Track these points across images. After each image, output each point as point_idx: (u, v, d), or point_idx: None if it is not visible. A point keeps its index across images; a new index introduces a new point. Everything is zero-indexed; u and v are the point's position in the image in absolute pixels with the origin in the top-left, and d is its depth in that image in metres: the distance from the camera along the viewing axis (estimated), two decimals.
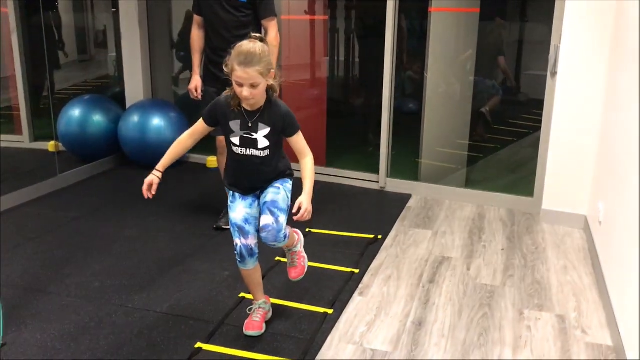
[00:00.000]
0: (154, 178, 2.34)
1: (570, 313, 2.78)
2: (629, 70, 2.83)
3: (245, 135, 2.34)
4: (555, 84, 3.75)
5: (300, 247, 2.67)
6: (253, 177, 2.43)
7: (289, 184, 2.49)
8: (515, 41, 6.06)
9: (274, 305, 2.71)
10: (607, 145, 3.34)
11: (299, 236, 2.67)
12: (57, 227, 3.65)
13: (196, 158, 5.10)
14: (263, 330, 2.53)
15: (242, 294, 2.82)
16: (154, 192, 2.34)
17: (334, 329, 2.60)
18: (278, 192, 2.42)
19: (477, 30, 4.67)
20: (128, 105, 5.15)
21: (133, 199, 4.10)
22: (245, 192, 2.45)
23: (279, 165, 2.44)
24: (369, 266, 3.21)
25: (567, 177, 3.77)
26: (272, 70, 2.26)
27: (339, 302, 2.82)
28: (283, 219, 2.39)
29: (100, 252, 3.29)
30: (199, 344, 2.43)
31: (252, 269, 2.48)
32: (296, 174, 2.46)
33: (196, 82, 3.51)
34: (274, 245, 2.41)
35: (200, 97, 3.51)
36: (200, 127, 2.41)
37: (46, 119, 5.72)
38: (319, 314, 2.71)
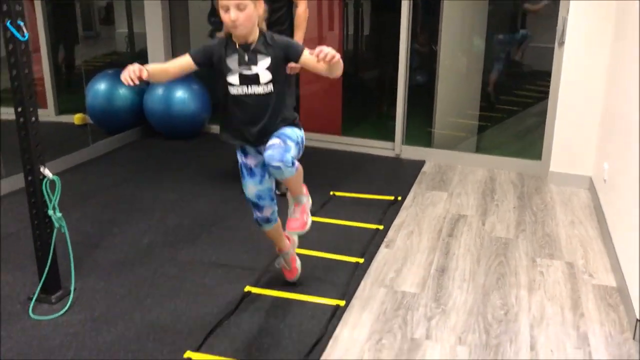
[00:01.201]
0: (142, 67, 2.08)
1: (578, 260, 3.07)
2: (632, 39, 3.08)
3: (244, 72, 2.20)
4: (563, 54, 3.99)
5: (307, 202, 2.53)
6: (257, 122, 2.26)
7: (297, 129, 2.33)
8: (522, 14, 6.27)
9: (307, 258, 2.98)
10: (611, 110, 3.60)
11: (307, 195, 2.55)
12: (97, 193, 3.90)
13: (216, 129, 5.34)
14: (299, 273, 2.73)
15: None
16: (136, 78, 2.04)
17: (366, 275, 2.88)
18: (285, 129, 2.28)
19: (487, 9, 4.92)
20: None
21: (165, 167, 4.36)
22: (253, 142, 2.32)
23: (283, 110, 2.29)
24: (391, 223, 3.48)
25: (573, 141, 4.04)
26: (260, 0, 2.17)
27: (368, 253, 3.09)
28: (292, 144, 2.22)
29: (144, 213, 3.55)
30: (247, 287, 2.71)
31: (271, 230, 2.59)
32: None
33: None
34: (279, 168, 2.17)
35: None
36: (186, 62, 2.22)
37: (69, 93, 5.96)
38: (351, 263, 2.98)
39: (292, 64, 3.67)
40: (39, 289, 2.58)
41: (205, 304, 2.59)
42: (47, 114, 5.59)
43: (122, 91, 5.18)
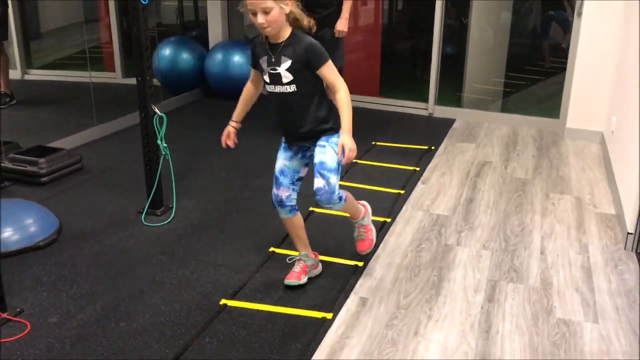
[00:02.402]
0: (230, 128, 2.56)
1: (585, 195, 3.65)
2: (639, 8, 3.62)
3: (271, 71, 2.33)
4: (581, 23, 4.52)
5: (367, 221, 2.72)
6: (292, 120, 2.41)
7: (334, 138, 2.40)
8: None
9: (357, 189, 3.60)
10: (621, 72, 4.14)
11: (366, 209, 2.72)
12: (176, 139, 4.55)
13: None
14: (301, 282, 2.58)
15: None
16: (232, 142, 2.56)
17: (407, 202, 3.50)
18: (324, 152, 2.38)
19: None
20: (211, 45, 6.00)
21: (227, 121, 4.99)
22: (289, 141, 2.51)
23: (318, 113, 2.38)
24: (426, 166, 4.08)
25: (587, 100, 4.58)
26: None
27: (407, 186, 3.71)
28: (334, 179, 2.37)
29: (217, 154, 4.20)
30: (311, 208, 3.34)
31: (287, 219, 2.57)
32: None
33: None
34: (330, 207, 2.44)
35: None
36: (252, 74, 2.50)
37: (128, 59, 6.58)
38: (394, 193, 3.60)
39: (340, 28, 4.28)
40: (147, 203, 3.25)
41: (277, 217, 3.24)
42: (115, 76, 6.27)
43: (185, 55, 5.83)
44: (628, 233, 3.00)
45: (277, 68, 2.31)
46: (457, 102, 5.53)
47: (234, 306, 2.46)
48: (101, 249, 2.90)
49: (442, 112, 5.27)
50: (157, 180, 3.23)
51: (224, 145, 2.57)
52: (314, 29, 2.35)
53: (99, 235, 3.05)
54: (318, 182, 2.36)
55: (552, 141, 4.66)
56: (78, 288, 2.58)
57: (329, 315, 2.40)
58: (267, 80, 2.37)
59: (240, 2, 2.24)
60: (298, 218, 2.59)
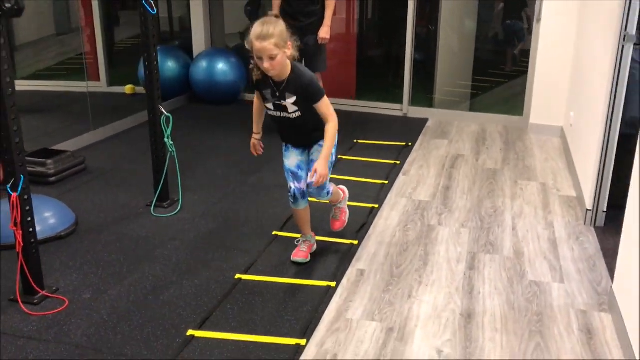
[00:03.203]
0: (254, 140, 2.91)
1: (549, 182, 4.06)
2: (592, 13, 4.06)
3: (277, 103, 2.65)
4: (540, 28, 4.98)
5: (344, 204, 3.12)
6: (296, 134, 2.77)
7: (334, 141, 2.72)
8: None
9: (345, 181, 3.94)
10: (577, 72, 4.59)
11: (344, 194, 3.11)
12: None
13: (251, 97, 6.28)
14: (308, 259, 2.92)
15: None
16: (260, 149, 2.92)
17: (391, 191, 3.86)
18: (322, 158, 2.65)
19: None
20: (195, 53, 6.29)
21: (214, 124, 5.29)
22: (295, 145, 2.82)
23: (320, 125, 2.66)
24: (405, 160, 4.45)
25: (548, 98, 5.03)
26: (289, 42, 2.51)
27: (390, 178, 4.07)
28: (327, 178, 2.72)
29: (211, 154, 4.50)
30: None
31: (303, 209, 2.87)
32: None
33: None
34: (319, 198, 2.88)
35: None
36: (256, 94, 2.78)
37: (112, 68, 6.82)
38: (378, 184, 3.96)
39: (322, 35, 4.63)
40: (156, 196, 3.53)
41: (277, 205, 3.57)
42: (100, 85, 6.50)
43: (171, 64, 6.11)
44: (587, 210, 3.41)
45: (283, 101, 2.62)
46: (430, 103, 5.94)
47: (249, 279, 2.77)
48: (118, 238, 3.18)
49: (416, 112, 5.67)
50: (164, 175, 3.52)
51: (255, 154, 2.94)
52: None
53: (113, 226, 3.33)
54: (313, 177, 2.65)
55: (517, 136, 5.09)
56: (104, 270, 2.85)
57: (333, 284, 2.73)
58: (272, 108, 2.68)
59: (248, 40, 2.47)
60: (308, 205, 2.90)
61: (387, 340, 2.36)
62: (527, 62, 5.20)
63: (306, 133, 2.74)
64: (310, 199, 2.87)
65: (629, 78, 3.19)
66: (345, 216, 3.14)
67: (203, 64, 5.97)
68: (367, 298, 2.65)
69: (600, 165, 3.30)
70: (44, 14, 6.59)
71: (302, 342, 2.32)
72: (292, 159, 2.81)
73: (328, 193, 2.86)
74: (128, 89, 6.42)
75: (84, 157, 4.20)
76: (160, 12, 7.58)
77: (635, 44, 3.15)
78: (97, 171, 4.16)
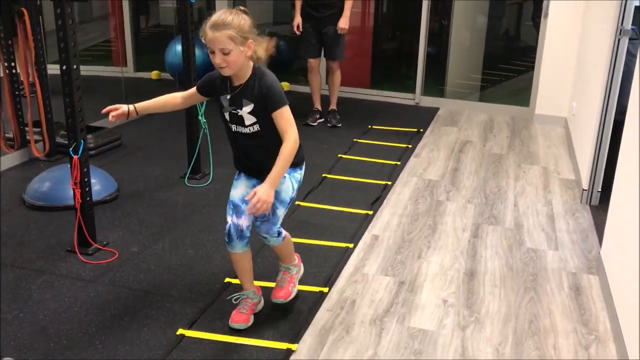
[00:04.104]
0: (126, 107, 2.33)
1: (550, 166, 4.38)
2: (594, 10, 4.37)
3: (232, 112, 2.21)
4: (547, 23, 5.27)
5: (297, 275, 2.55)
6: (250, 157, 2.29)
7: (297, 174, 2.33)
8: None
9: (361, 162, 4.27)
10: (581, 66, 4.89)
11: (299, 262, 2.58)
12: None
13: None
14: (249, 323, 2.39)
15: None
16: (114, 119, 2.31)
17: (403, 170, 4.19)
18: (282, 182, 2.24)
19: None
20: None
21: None
22: (249, 173, 2.35)
23: (277, 150, 2.14)
24: (417, 144, 4.78)
25: (553, 90, 5.33)
26: (250, 41, 2.10)
27: (403, 159, 4.39)
28: (281, 212, 2.29)
29: None
30: (323, 174, 4.00)
31: (240, 254, 2.34)
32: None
33: (298, 21, 5.00)
34: (266, 238, 2.32)
35: (300, 32, 5.01)
36: (192, 93, 2.37)
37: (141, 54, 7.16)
38: (391, 164, 4.28)
39: (341, 26, 4.97)
40: (189, 169, 3.88)
41: None
42: (127, 70, 6.86)
43: (197, 51, 6.44)
44: (583, 190, 3.73)
45: (239, 110, 2.19)
46: (441, 93, 6.25)
47: None
48: (157, 203, 3.52)
49: (428, 101, 5.98)
50: (197, 150, 3.86)
51: (105, 111, 2.35)
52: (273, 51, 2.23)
53: (152, 193, 3.67)
54: None
55: (523, 125, 5.39)
56: (147, 229, 3.20)
57: (351, 245, 3.07)
58: (228, 118, 2.24)
59: (202, 29, 2.11)
60: (249, 252, 2.39)
61: (399, 291, 2.70)
62: (535, 57, 5.50)
63: (264, 157, 2.20)
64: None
65: (624, 70, 3.50)
66: (294, 288, 2.50)
67: None
68: (381, 258, 2.99)
69: (595, 149, 3.61)
70: None
71: (325, 289, 2.66)
72: (239, 188, 2.33)
73: (279, 234, 2.34)
74: (154, 74, 6.79)
75: (121, 134, 4.55)
76: (162, 2, 7.95)
77: (630, 38, 3.46)
78: (132, 146, 4.51)
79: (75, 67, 2.74)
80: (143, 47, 7.34)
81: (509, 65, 6.97)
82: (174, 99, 2.41)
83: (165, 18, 8.15)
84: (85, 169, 2.86)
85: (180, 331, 2.35)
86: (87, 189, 2.89)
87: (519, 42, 7.46)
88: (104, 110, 2.35)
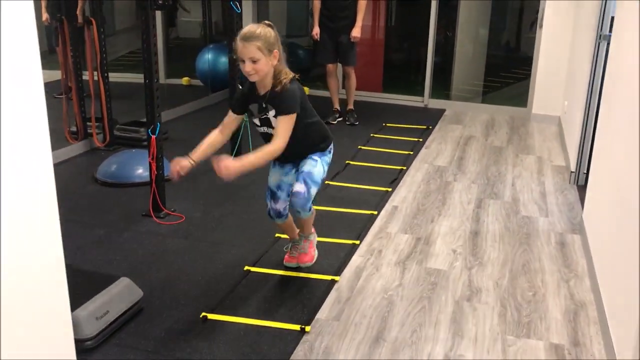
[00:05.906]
0: (187, 162, 2.52)
1: (544, 155, 5.01)
2: (581, 18, 5.02)
3: (262, 117, 2.56)
4: (542, 33, 5.93)
5: (314, 241, 2.96)
6: (282, 152, 2.52)
7: (327, 157, 2.71)
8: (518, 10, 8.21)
9: (376, 152, 4.90)
10: (571, 69, 5.54)
11: (314, 233, 2.97)
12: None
13: None
14: (314, 260, 2.93)
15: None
16: (179, 174, 2.50)
17: (415, 159, 4.82)
18: (315, 165, 2.61)
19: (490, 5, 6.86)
20: None
21: None
22: (282, 162, 2.72)
23: (308, 140, 2.60)
24: (427, 138, 5.41)
25: (548, 91, 5.98)
26: (275, 50, 2.40)
27: (414, 150, 5.03)
28: (314, 191, 2.62)
29: None
30: (348, 161, 4.64)
31: (281, 223, 2.88)
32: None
33: (316, 30, 5.66)
34: (299, 213, 2.69)
35: (317, 39, 5.67)
36: (228, 121, 2.64)
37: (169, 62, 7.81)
38: (404, 154, 4.92)
39: (354, 34, 5.64)
40: (233, 155, 4.50)
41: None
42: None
43: (223, 59, 7.12)
44: (571, 172, 4.35)
45: (266, 114, 2.53)
46: (447, 97, 6.91)
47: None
48: (208, 185, 4.15)
49: (435, 104, 6.63)
50: (238, 142, 4.50)
51: (173, 173, 2.54)
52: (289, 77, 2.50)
53: (202, 175, 4.30)
54: (300, 187, 2.58)
55: (521, 124, 6.03)
56: (206, 200, 3.84)
57: (375, 212, 3.69)
58: (258, 123, 2.60)
59: (235, 43, 2.43)
60: (289, 218, 2.88)
61: (416, 244, 3.32)
62: (531, 64, 6.15)
63: (296, 148, 2.58)
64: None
65: (604, 69, 4.13)
66: (315, 252, 2.94)
67: None
68: (401, 221, 3.61)
69: (581, 137, 4.24)
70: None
71: (357, 242, 3.29)
72: (274, 177, 2.77)
73: (310, 209, 2.75)
74: (185, 80, 7.46)
75: (167, 129, 5.19)
76: (198, 15, 8.66)
77: (608, 43, 4.10)
78: (178, 139, 5.16)
79: (156, 74, 3.39)
80: (172, 55, 8.04)
81: (508, 73, 7.63)
82: (216, 137, 2.65)
83: (183, 31, 8.88)
84: (161, 147, 3.50)
85: (246, 268, 2.99)
86: (160, 163, 3.52)
87: (518, 52, 8.13)
88: (171, 175, 2.57)
